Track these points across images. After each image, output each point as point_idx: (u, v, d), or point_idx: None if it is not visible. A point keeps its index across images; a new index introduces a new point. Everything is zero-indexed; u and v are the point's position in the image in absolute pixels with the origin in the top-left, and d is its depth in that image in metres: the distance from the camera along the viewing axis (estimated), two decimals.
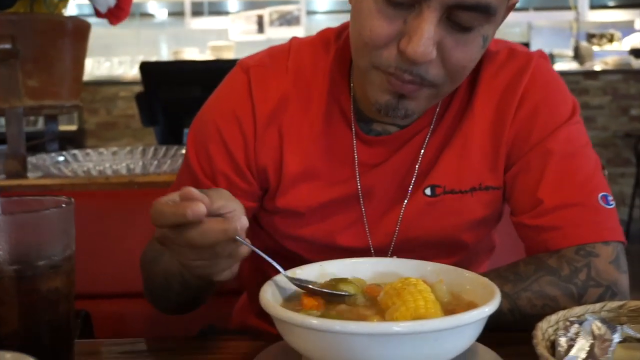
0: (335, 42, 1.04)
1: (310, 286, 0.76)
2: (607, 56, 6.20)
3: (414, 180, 1.01)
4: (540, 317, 0.87)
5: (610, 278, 0.90)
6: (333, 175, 1.01)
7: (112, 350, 0.89)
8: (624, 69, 5.65)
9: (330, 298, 0.75)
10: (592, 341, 0.71)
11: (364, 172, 1.01)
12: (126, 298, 1.39)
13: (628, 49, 6.42)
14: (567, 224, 0.93)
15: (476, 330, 0.68)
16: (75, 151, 1.72)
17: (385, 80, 0.87)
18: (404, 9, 0.82)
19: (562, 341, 0.71)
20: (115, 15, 1.74)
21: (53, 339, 0.67)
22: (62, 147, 2.10)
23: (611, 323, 0.73)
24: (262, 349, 0.78)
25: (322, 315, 0.70)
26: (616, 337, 0.70)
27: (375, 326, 0.63)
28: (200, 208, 0.68)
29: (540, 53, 1.04)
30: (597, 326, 0.72)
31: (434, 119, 1.01)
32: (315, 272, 0.82)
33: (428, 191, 1.00)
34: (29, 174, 1.55)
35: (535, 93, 0.99)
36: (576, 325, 0.73)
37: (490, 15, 0.82)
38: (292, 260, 1.05)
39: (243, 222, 0.71)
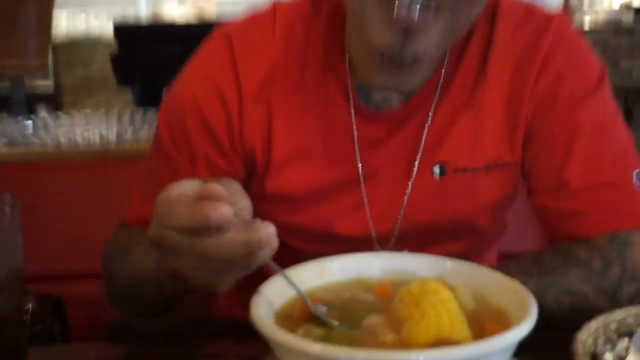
0: (326, 2, 0.90)
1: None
2: (597, 13, 6.04)
3: (420, 158, 0.89)
4: (568, 316, 0.77)
5: None
6: (330, 154, 0.89)
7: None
8: (614, 24, 5.56)
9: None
10: None
11: (364, 149, 0.89)
12: (100, 279, 1.28)
13: (619, 3, 6.31)
14: (599, 207, 0.83)
15: (509, 353, 0.57)
16: (45, 114, 1.59)
17: (387, 12, 0.73)
18: None
19: (609, 357, 0.61)
20: None
21: None
22: (34, 108, 1.96)
23: None
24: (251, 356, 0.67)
25: (325, 334, 0.59)
26: None
27: (391, 356, 0.52)
28: (228, 212, 0.55)
29: (561, 14, 0.91)
30: None
31: (439, 86, 0.88)
32: (315, 272, 0.69)
33: (437, 170, 0.89)
34: None
35: (559, 57, 0.87)
36: (625, 339, 0.62)
37: None
38: (282, 251, 0.93)
39: (270, 233, 0.58)
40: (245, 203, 0.62)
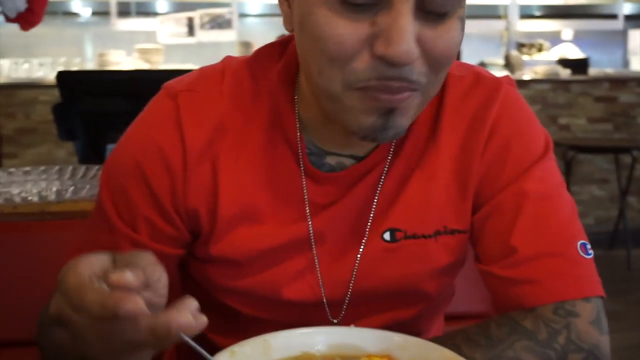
0: (277, 61, 0.88)
1: None
2: (536, 65, 6.27)
3: (371, 223, 0.88)
4: None
5: (592, 341, 0.80)
6: (279, 215, 0.87)
7: None
8: (552, 78, 5.74)
9: None
10: None
11: (315, 213, 0.87)
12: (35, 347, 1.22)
13: (556, 58, 6.55)
14: (545, 277, 0.83)
15: None
16: None
17: (367, 99, 0.73)
18: (367, 9, 0.69)
19: None
20: (27, 20, 1.56)
21: None
22: None
23: None
24: None
25: None
26: None
27: None
28: (139, 305, 0.53)
29: (508, 79, 0.93)
30: None
31: (392, 151, 0.88)
32: (259, 349, 0.67)
33: (387, 236, 0.88)
34: None
35: (507, 125, 0.88)
36: None
37: None
38: (226, 316, 0.90)
39: (183, 320, 0.55)
40: (159, 275, 0.60)
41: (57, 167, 1.61)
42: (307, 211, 0.87)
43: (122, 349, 0.58)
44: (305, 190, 0.87)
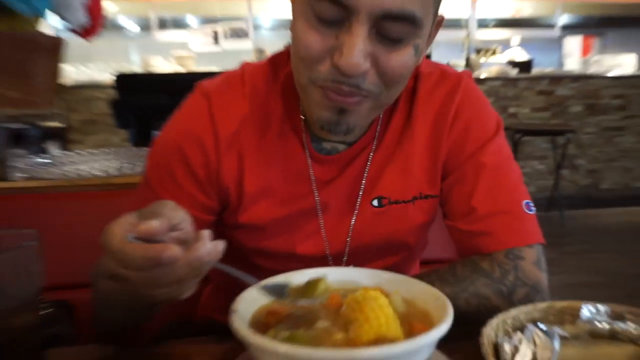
0: (284, 67, 0.89)
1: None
2: (490, 66, 6.28)
3: (362, 193, 0.89)
4: (476, 314, 0.79)
5: (534, 278, 0.82)
6: (291, 191, 0.88)
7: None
8: (503, 76, 5.72)
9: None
10: (533, 348, 0.62)
11: (320, 187, 0.88)
12: None
13: (506, 60, 6.52)
14: (498, 230, 0.84)
15: (433, 346, 0.58)
16: (57, 152, 1.54)
17: (323, 96, 0.74)
18: (335, 25, 0.69)
19: (507, 348, 0.63)
20: (87, 32, 1.55)
21: None
22: (45, 142, 1.90)
23: (548, 329, 0.65)
24: (231, 353, 0.65)
25: (290, 336, 0.58)
26: (557, 345, 0.62)
27: (341, 354, 0.52)
28: (176, 252, 0.54)
29: (467, 73, 0.93)
30: (537, 334, 0.64)
31: (376, 137, 0.89)
32: (281, 283, 0.69)
33: (375, 202, 0.89)
34: (17, 175, 1.37)
35: (467, 110, 0.89)
36: (519, 333, 0.64)
37: (417, 26, 0.70)
38: (251, 269, 0.91)
39: (207, 249, 0.56)
40: (181, 217, 0.60)
41: (115, 150, 1.62)
42: (314, 186, 0.88)
43: (170, 285, 0.58)
44: (311, 170, 0.87)
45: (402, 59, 0.72)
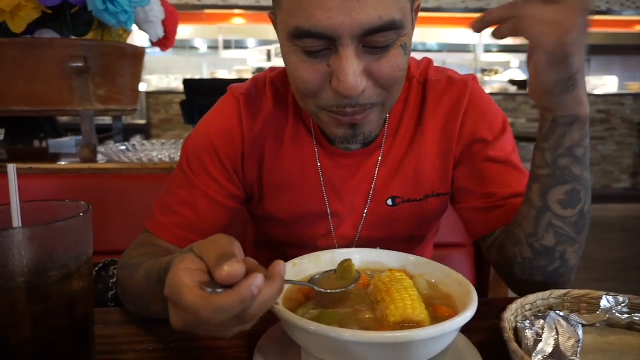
0: None
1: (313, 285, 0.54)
2: (494, 84, 6.11)
3: (374, 192, 0.77)
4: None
5: None
6: (304, 193, 0.77)
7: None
8: (504, 92, 5.53)
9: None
10: (555, 337, 0.51)
11: (330, 187, 0.77)
12: None
13: (507, 79, 6.31)
14: (511, 209, 0.73)
15: (458, 332, 0.48)
16: (134, 142, 1.49)
17: (333, 118, 0.64)
18: (323, 54, 0.59)
19: (529, 334, 0.51)
20: (163, 43, 1.50)
21: (70, 343, 0.44)
22: (130, 136, 1.86)
23: (570, 319, 0.53)
24: (262, 329, 0.56)
25: (319, 314, 0.49)
26: (581, 334, 0.50)
27: (369, 336, 0.42)
28: (260, 279, 0.39)
29: (472, 76, 0.79)
30: (559, 322, 0.52)
31: (384, 140, 0.77)
32: (312, 261, 0.60)
33: (390, 202, 0.77)
34: (99, 158, 1.34)
35: (474, 113, 0.76)
36: (541, 321, 0.53)
37: (399, 28, 0.58)
38: (278, 254, 0.81)
39: (258, 282, 0.39)
40: (238, 246, 0.44)
41: (181, 140, 1.57)
42: (324, 193, 0.77)
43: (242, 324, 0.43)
44: (321, 175, 0.77)
45: (393, 63, 0.60)
